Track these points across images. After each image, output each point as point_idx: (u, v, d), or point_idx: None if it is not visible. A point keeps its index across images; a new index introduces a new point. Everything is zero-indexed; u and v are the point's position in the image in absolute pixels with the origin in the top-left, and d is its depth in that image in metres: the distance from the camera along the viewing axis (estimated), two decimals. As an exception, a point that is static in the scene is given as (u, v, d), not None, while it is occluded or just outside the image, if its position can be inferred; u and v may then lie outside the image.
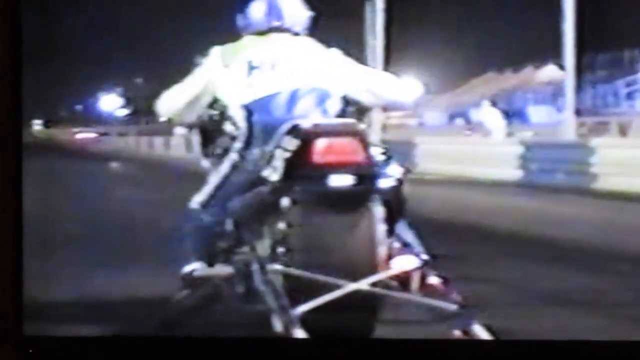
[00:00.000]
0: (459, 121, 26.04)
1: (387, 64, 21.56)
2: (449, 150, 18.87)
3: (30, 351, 3.64)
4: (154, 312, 4.07)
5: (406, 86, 4.21)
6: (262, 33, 4.08)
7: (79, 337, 3.99)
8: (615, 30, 22.20)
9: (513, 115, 22.71)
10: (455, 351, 3.59)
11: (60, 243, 7.15)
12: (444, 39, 22.48)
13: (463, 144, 20.30)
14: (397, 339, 3.74)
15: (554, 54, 21.08)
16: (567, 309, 4.81)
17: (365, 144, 3.62)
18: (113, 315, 4.48)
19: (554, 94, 23.90)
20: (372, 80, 4.11)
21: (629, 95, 24.98)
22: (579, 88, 21.67)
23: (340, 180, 3.52)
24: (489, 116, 21.12)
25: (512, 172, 15.97)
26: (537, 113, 24.93)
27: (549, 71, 25.35)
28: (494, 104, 21.76)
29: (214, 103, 4.06)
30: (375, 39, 21.19)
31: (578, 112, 20.47)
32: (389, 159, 3.76)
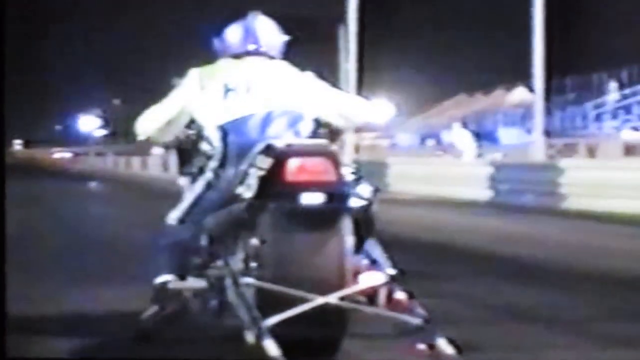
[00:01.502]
0: (431, 142, 26.26)
1: (360, 86, 21.79)
2: (420, 170, 19.05)
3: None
4: (131, 325, 4.17)
5: (376, 109, 4.36)
6: (238, 56, 4.22)
7: (60, 358, 4.09)
8: (584, 54, 22.52)
9: (483, 136, 22.93)
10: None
11: (41, 261, 7.24)
12: (415, 62, 22.72)
13: (434, 164, 20.50)
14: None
15: (523, 77, 21.38)
16: (532, 325, 4.92)
17: (336, 164, 3.76)
18: (91, 331, 4.59)
19: (524, 116, 24.17)
20: (343, 103, 4.27)
21: (598, 118, 25.30)
22: (548, 110, 21.97)
23: (312, 199, 3.65)
24: (460, 137, 21.34)
25: (483, 192, 16.14)
26: (507, 134, 25.17)
27: (519, 93, 25.65)
28: (464, 125, 22.01)
29: (190, 123, 4.20)
30: (348, 62, 21.39)
31: (547, 134, 20.76)
32: (359, 179, 3.88)
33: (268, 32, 4.27)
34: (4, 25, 3.91)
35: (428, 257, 7.92)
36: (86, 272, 6.52)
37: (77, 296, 5.48)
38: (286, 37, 4.32)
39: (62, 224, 11.52)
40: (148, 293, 4.09)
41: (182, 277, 4.02)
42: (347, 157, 20.00)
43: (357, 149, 21.91)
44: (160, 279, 4.03)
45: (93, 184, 22.16)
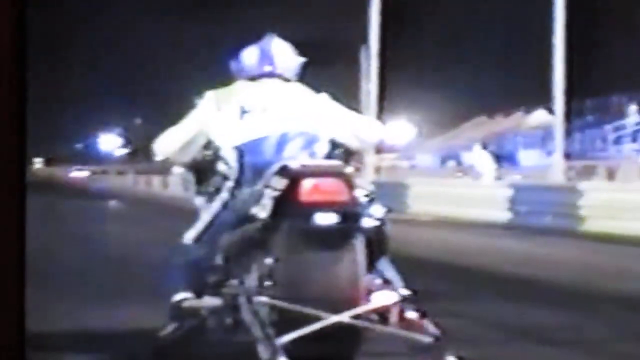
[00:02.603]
0: (451, 164, 26.26)
1: (381, 107, 21.87)
2: (440, 191, 19.07)
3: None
4: (148, 342, 4.24)
5: (389, 131, 4.43)
6: (254, 78, 4.30)
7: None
8: (604, 77, 22.51)
9: (503, 158, 22.92)
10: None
11: (61, 278, 7.32)
12: (436, 83, 22.77)
13: (454, 186, 20.52)
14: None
15: (543, 99, 21.39)
16: (550, 346, 4.94)
17: (350, 185, 3.83)
18: (111, 346, 4.66)
19: (544, 138, 24.16)
20: (357, 125, 4.34)
21: (617, 140, 25.20)
22: (568, 132, 21.94)
23: (325, 219, 3.71)
24: (480, 159, 21.35)
25: (502, 214, 16.14)
26: (527, 156, 25.14)
27: (539, 116, 25.61)
28: (484, 147, 22.00)
29: (207, 144, 4.28)
30: (369, 84, 21.47)
31: (567, 156, 20.73)
32: (372, 200, 3.94)
33: (283, 54, 4.35)
34: (26, 46, 3.99)
35: (445, 278, 7.94)
36: (103, 289, 6.60)
37: (93, 313, 5.56)
38: (301, 59, 4.40)
39: (79, 242, 11.62)
40: (165, 310, 4.14)
41: (198, 296, 4.10)
42: (368, 178, 20.08)
43: (377, 170, 21.94)
44: (177, 297, 4.11)
45: (112, 203, 22.30)
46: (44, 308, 5.16)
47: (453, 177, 23.28)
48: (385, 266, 3.98)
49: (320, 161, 4.11)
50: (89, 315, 5.49)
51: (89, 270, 8.07)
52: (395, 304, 3.86)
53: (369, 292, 3.85)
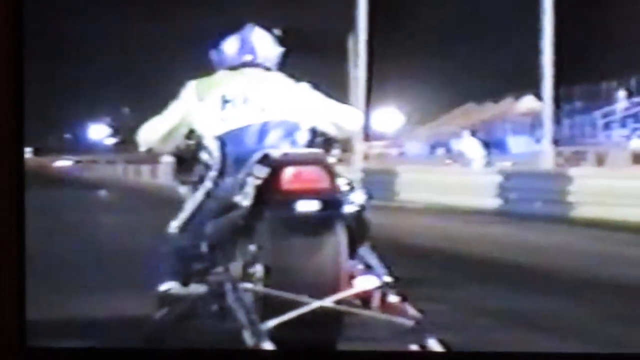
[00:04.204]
0: (440, 151, 26.29)
1: (369, 95, 21.93)
2: (429, 179, 19.10)
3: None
4: (139, 328, 4.31)
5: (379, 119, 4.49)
6: (234, 68, 4.36)
7: (76, 348, 4.24)
8: (593, 62, 22.55)
9: (492, 145, 22.95)
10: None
11: (56, 267, 7.37)
12: (425, 70, 22.79)
13: (443, 173, 20.56)
14: (358, 351, 3.99)
15: (532, 85, 21.43)
16: (537, 331, 4.99)
17: (331, 173, 3.90)
18: (103, 332, 4.73)
19: (533, 124, 24.19)
20: (337, 114, 4.40)
21: (606, 126, 25.27)
22: (557, 119, 22.00)
23: (307, 206, 3.78)
24: (469, 146, 21.40)
25: (491, 201, 16.17)
26: (516, 143, 25.18)
27: (528, 102, 25.65)
28: (473, 134, 22.05)
29: (190, 134, 4.34)
30: (358, 71, 21.53)
31: (556, 143, 20.79)
32: (352, 189, 4.01)
33: (264, 43, 4.41)
34: (23, 38, 4.02)
35: (434, 265, 7.99)
36: (91, 278, 6.65)
37: (83, 301, 5.61)
38: (282, 49, 4.45)
39: (68, 232, 11.65)
40: (153, 298, 4.22)
41: (184, 284, 4.17)
42: (357, 165, 20.12)
43: (366, 157, 21.99)
44: (163, 286, 4.18)
45: (102, 192, 22.33)
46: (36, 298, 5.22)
47: (442, 164, 23.33)
48: (366, 252, 4.04)
49: (301, 150, 4.17)
50: (82, 302, 5.55)
51: (78, 259, 8.11)
52: (377, 289, 3.93)
53: (351, 277, 3.92)
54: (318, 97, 4.37)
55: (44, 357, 4.03)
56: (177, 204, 4.48)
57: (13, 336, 3.61)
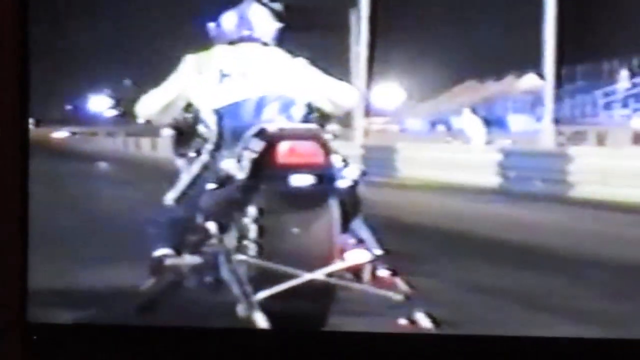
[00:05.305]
0: (440, 128, 26.26)
1: (371, 71, 21.91)
2: (429, 156, 19.11)
3: (35, 337, 3.97)
4: (133, 299, 4.36)
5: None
6: (233, 42, 4.41)
7: (76, 324, 4.31)
8: (595, 41, 22.50)
9: (493, 123, 22.92)
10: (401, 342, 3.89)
11: (57, 239, 7.42)
12: (426, 47, 22.75)
13: (443, 150, 20.56)
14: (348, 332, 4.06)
15: (534, 64, 21.40)
16: (535, 309, 5.05)
17: (326, 148, 3.97)
18: (99, 304, 4.79)
19: (533, 103, 24.17)
20: (332, 90, 4.45)
21: (607, 106, 25.24)
22: (558, 97, 21.97)
23: (301, 180, 3.86)
24: (470, 124, 21.38)
25: (491, 179, 16.19)
26: (517, 121, 25.16)
27: (529, 80, 25.59)
28: (474, 111, 22.02)
29: (188, 107, 4.39)
30: (359, 47, 21.50)
31: (557, 121, 20.78)
32: (346, 165, 4.07)
33: (262, 19, 4.45)
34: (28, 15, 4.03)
35: (431, 242, 8.01)
36: (90, 249, 6.71)
37: (81, 272, 5.67)
38: (280, 24, 4.50)
39: (68, 203, 11.69)
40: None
41: (178, 253, 4.22)
42: (357, 141, 20.13)
43: (366, 133, 22.02)
44: (157, 253, 4.24)
45: (102, 164, 22.42)
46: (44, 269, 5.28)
47: (443, 141, 23.32)
48: (358, 226, 4.11)
49: (296, 124, 4.23)
50: (77, 275, 5.61)
51: (78, 231, 8.16)
52: (368, 262, 4.00)
53: (343, 251, 3.98)
54: (314, 72, 4.41)
55: (47, 331, 4.12)
56: (176, 176, 4.54)
57: (13, 310, 3.68)
